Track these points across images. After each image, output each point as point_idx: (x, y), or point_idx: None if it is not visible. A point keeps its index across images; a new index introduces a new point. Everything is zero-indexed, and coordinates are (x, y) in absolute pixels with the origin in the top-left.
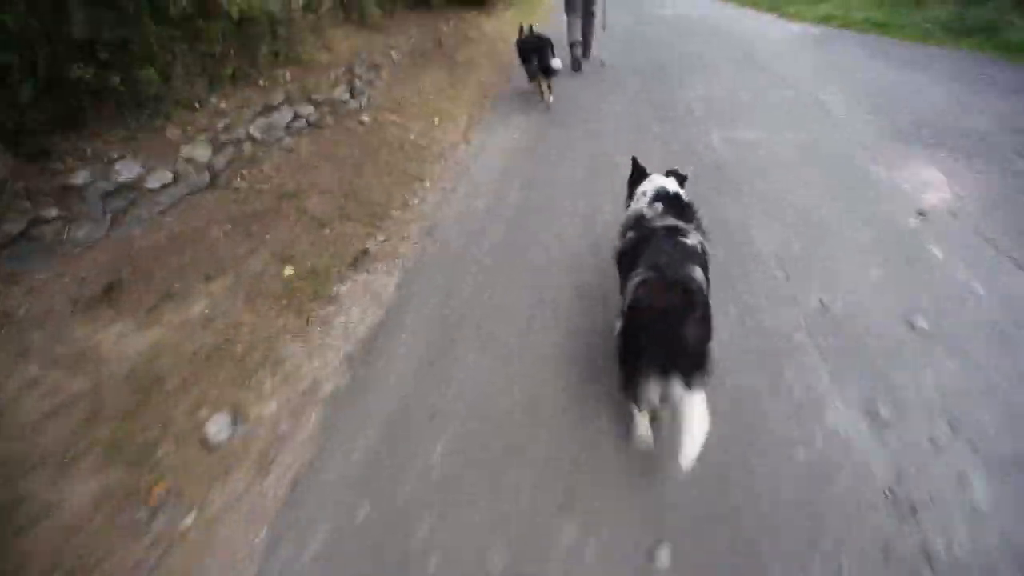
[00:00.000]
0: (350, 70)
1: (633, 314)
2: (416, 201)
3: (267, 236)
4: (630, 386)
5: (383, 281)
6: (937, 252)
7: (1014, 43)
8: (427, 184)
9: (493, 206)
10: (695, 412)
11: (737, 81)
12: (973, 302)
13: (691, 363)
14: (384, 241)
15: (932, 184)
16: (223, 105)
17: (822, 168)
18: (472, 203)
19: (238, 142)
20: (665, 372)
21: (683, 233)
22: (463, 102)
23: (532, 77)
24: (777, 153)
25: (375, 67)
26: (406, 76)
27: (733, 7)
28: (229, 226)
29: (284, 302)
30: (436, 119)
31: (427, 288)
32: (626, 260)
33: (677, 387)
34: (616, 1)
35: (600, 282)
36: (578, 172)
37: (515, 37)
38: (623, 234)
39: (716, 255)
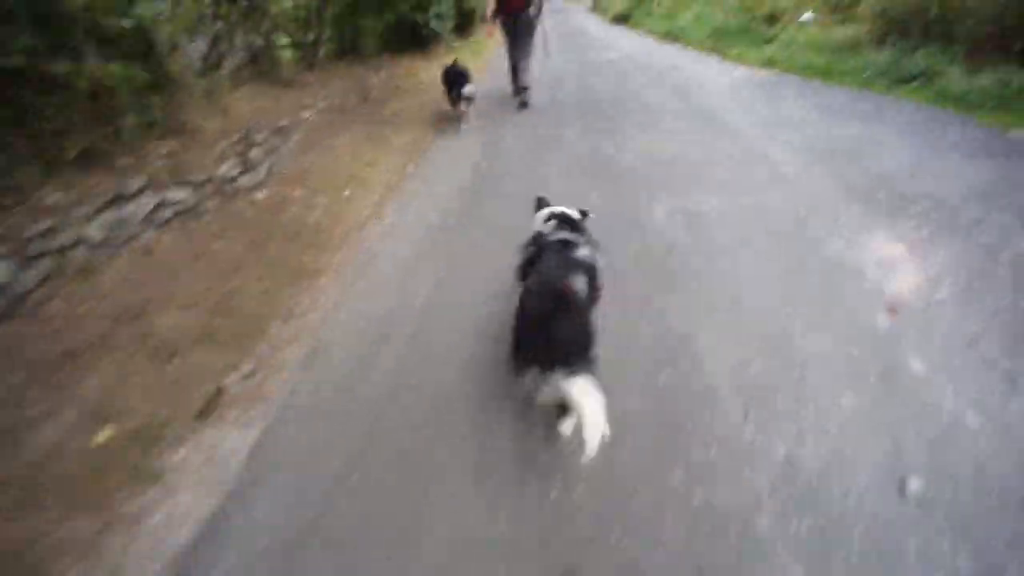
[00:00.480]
0: (246, 138)
1: (517, 318)
2: (303, 308)
3: (82, 383)
4: (519, 378)
5: (234, 442)
6: (917, 365)
7: (950, 91)
8: (322, 281)
9: (396, 312)
10: (584, 398)
11: (684, 135)
12: (969, 443)
13: (566, 357)
14: (249, 376)
15: (898, 264)
16: (54, 198)
17: (778, 246)
18: (371, 308)
19: (62, 250)
20: (543, 368)
21: (573, 246)
22: (383, 167)
23: (453, 103)
24: (729, 227)
25: (281, 131)
26: (320, 139)
27: (677, 49)
28: (24, 374)
29: (82, 490)
30: (347, 190)
31: (291, 455)
32: (524, 272)
33: (559, 379)
34: (563, 43)
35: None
36: (503, 256)
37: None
38: (523, 250)
39: (660, 385)
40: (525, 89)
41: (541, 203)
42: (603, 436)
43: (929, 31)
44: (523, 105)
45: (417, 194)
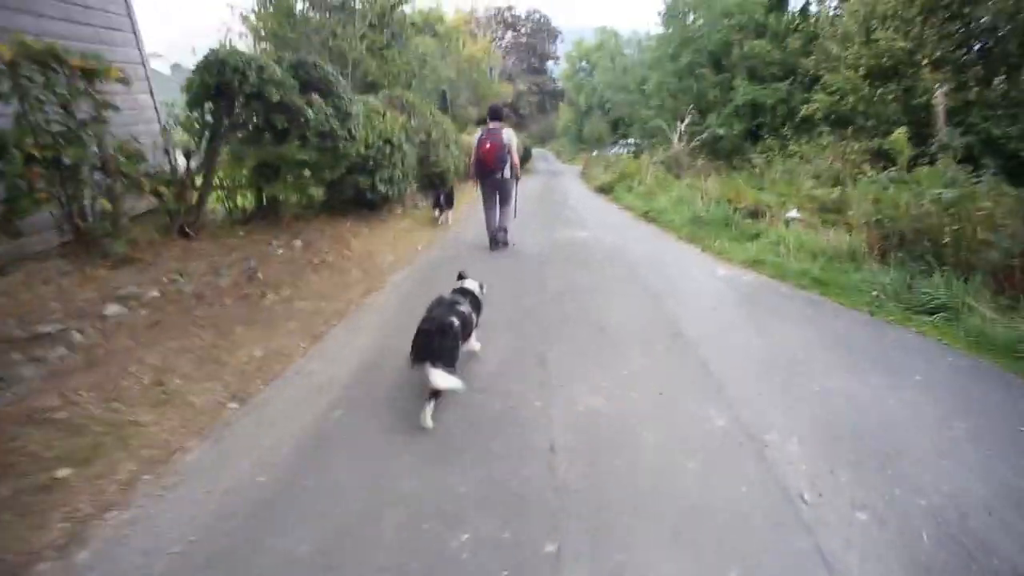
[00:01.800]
0: None
1: (420, 324)
2: None
3: None
4: (413, 365)
5: None
6: None
7: (986, 335)
8: None
9: None
10: (435, 378)
11: (643, 383)
12: None
13: (435, 356)
14: None
15: None
16: None
17: None
18: None
19: None
20: (422, 360)
21: (458, 303)
22: (190, 408)
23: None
24: None
25: (42, 341)
26: (109, 356)
27: (654, 232)
28: None
29: None
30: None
31: None
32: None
33: (428, 367)
34: (539, 212)
35: None
36: None
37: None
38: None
39: None
40: (503, 231)
41: (460, 275)
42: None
43: (941, 254)
44: (496, 245)
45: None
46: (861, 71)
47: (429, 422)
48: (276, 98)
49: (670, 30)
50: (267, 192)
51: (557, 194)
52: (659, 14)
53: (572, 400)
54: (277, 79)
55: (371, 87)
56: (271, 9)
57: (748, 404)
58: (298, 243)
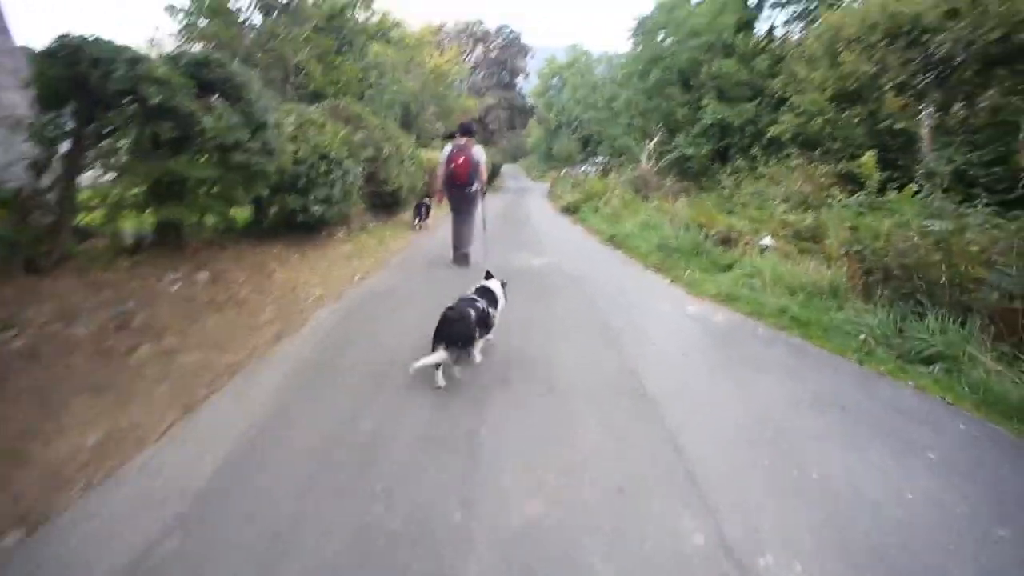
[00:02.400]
0: None
1: (441, 317)
2: None
3: None
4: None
5: None
6: None
7: (993, 392)
8: None
9: None
10: (439, 355)
11: (605, 480)
12: None
13: (453, 341)
14: None
15: None
16: None
17: None
18: None
19: None
20: (441, 341)
21: (476, 300)
22: None
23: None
24: None
25: None
26: None
27: (620, 259)
28: None
29: None
30: None
31: None
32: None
33: (441, 346)
34: (500, 233)
35: None
36: None
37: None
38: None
39: None
40: (464, 252)
41: (488, 274)
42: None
43: (933, 294)
44: (461, 259)
45: None
46: (827, 93)
47: (440, 380)
48: (155, 100)
49: (639, 48)
50: (162, 214)
51: (521, 213)
52: (629, 31)
53: (504, 506)
54: (157, 77)
55: (316, 96)
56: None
57: (732, 506)
58: (202, 276)
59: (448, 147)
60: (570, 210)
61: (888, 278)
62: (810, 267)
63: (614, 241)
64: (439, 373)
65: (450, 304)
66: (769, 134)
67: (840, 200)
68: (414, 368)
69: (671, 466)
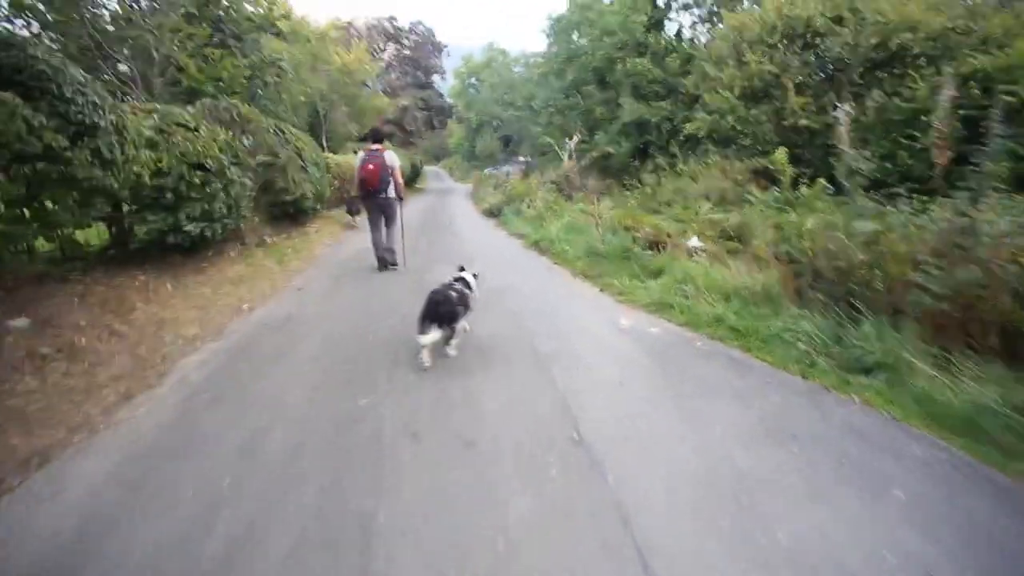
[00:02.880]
0: None
1: (426, 299)
2: None
3: None
4: (421, 325)
5: None
6: None
7: (937, 403)
8: None
9: None
10: (432, 334)
11: (536, 543)
12: None
13: (441, 319)
14: None
15: None
16: None
17: None
18: None
19: None
20: (430, 320)
21: (454, 284)
22: None
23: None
24: None
25: None
26: None
27: (545, 266)
28: None
29: None
30: None
31: None
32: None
33: (432, 325)
34: (415, 242)
35: None
36: None
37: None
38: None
39: None
40: (391, 251)
41: (461, 268)
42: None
43: (867, 298)
44: (384, 266)
45: None
46: (736, 92)
47: (426, 359)
48: None
49: (554, 47)
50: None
51: (443, 217)
52: (543, 31)
53: None
54: None
55: (194, 95)
56: None
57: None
58: (19, 322)
59: (361, 154)
60: (493, 213)
61: (819, 280)
62: (740, 270)
63: (539, 246)
64: (425, 352)
65: (433, 290)
66: (685, 131)
67: (757, 196)
68: (421, 346)
69: (618, 547)
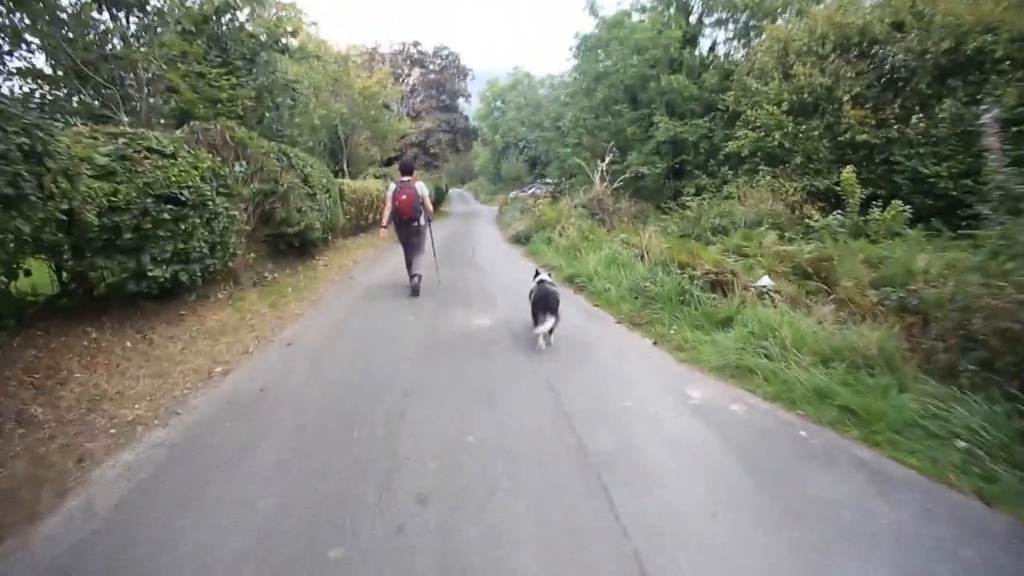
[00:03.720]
0: None
1: (535, 300)
2: None
3: None
4: (536, 317)
5: None
6: None
7: None
8: None
9: None
10: (550, 322)
11: None
12: None
13: (552, 310)
14: None
15: None
16: None
17: None
18: None
19: None
20: (546, 311)
21: (553, 284)
22: None
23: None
24: None
25: None
26: None
27: (583, 308)
28: None
29: None
30: None
31: None
32: (532, 292)
33: (549, 315)
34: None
35: None
36: None
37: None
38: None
39: None
40: (417, 276)
41: (537, 272)
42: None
43: None
44: (415, 292)
45: None
46: (783, 107)
47: (543, 344)
48: None
49: (582, 65)
50: None
51: (466, 246)
52: (571, 49)
53: None
54: None
55: (186, 117)
56: None
57: None
58: None
59: (392, 185)
60: (520, 240)
61: (966, 343)
62: (827, 318)
63: (574, 283)
64: (545, 338)
65: (536, 288)
66: (727, 150)
67: (817, 220)
68: (537, 334)
69: None
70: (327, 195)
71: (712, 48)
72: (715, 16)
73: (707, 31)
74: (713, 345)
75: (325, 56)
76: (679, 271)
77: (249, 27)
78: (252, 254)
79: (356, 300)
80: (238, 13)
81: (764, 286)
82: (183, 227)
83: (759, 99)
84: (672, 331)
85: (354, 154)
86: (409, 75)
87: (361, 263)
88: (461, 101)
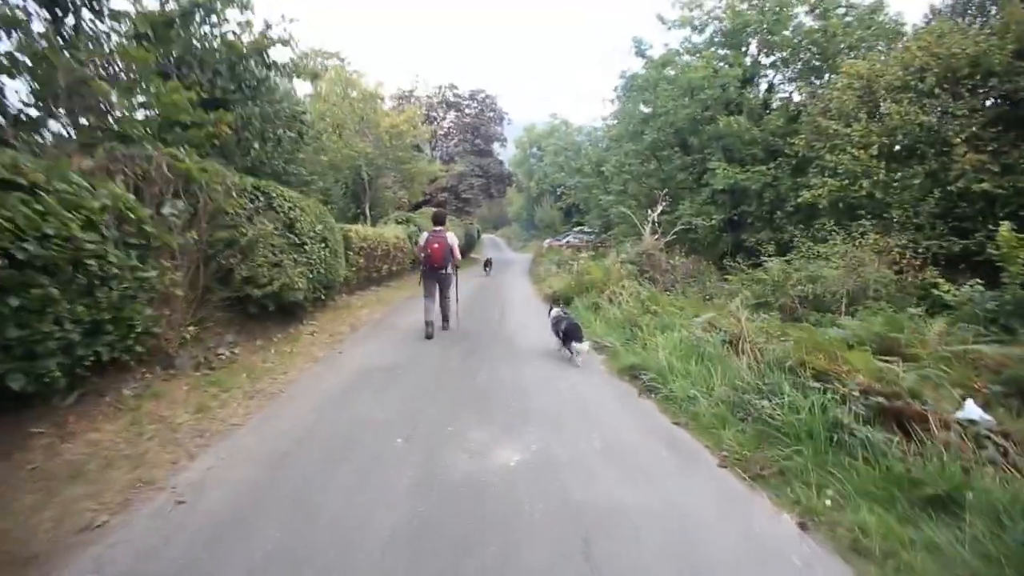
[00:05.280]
0: None
1: (561, 325)
2: None
3: None
4: (563, 343)
5: None
6: None
7: None
8: None
9: None
10: (581, 348)
11: None
12: None
13: (577, 337)
14: None
15: None
16: None
17: None
18: None
19: None
20: (570, 339)
21: (570, 315)
22: None
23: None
24: None
25: None
26: None
27: (658, 429)
28: None
29: None
30: None
31: None
32: (554, 322)
33: (575, 343)
34: (429, 378)
35: None
36: None
37: None
38: (554, 319)
39: None
40: (445, 319)
41: (551, 307)
42: (585, 352)
43: None
44: (443, 326)
45: None
46: (872, 150)
47: (579, 361)
48: None
49: (628, 107)
50: None
51: (493, 309)
52: (615, 90)
53: None
54: None
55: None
56: None
57: None
58: None
59: (425, 234)
60: (558, 301)
61: None
62: None
63: (639, 378)
64: (578, 357)
65: (562, 318)
66: (799, 200)
67: (948, 291)
68: (573, 357)
69: None
70: (323, 245)
71: (770, 89)
72: (774, 57)
73: (764, 72)
74: (933, 555)
75: (352, 91)
76: (814, 382)
77: (231, 37)
78: (193, 327)
79: (330, 397)
80: (218, 19)
81: (974, 419)
82: (19, 302)
83: (840, 143)
84: (826, 502)
85: (379, 196)
86: (444, 118)
87: (361, 329)
88: (496, 146)
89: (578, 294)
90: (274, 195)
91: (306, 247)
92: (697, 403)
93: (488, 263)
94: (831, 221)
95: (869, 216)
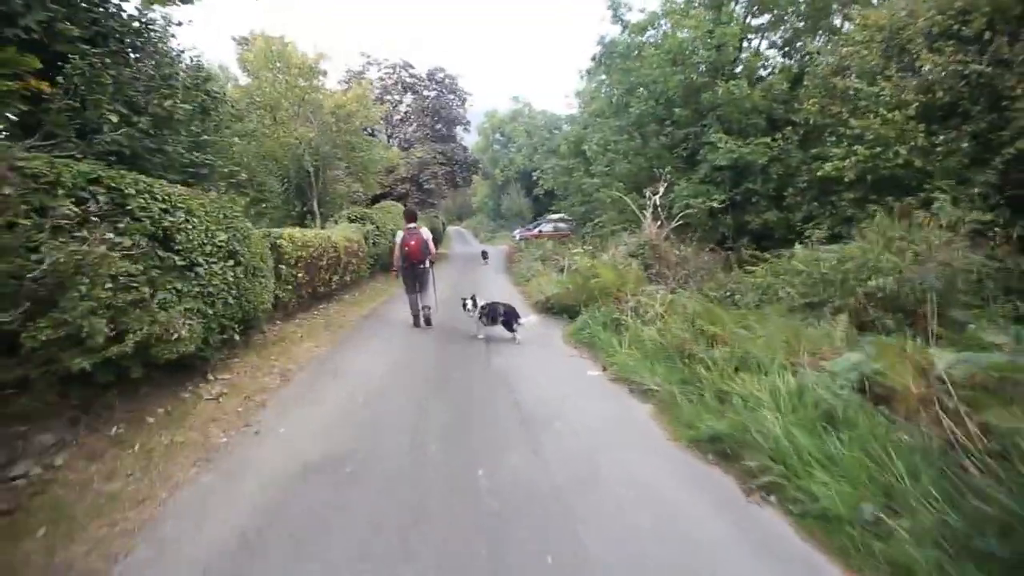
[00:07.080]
0: None
1: (484, 311)
2: None
3: None
4: (483, 323)
5: None
6: None
7: None
8: None
9: None
10: (498, 328)
11: None
12: None
13: (501, 319)
14: None
15: None
16: None
17: None
18: None
19: None
20: (492, 321)
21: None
22: None
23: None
24: None
25: None
26: None
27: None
28: None
29: None
30: None
31: None
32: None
33: (496, 324)
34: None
35: None
36: None
37: None
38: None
39: None
40: (428, 308)
41: (473, 298)
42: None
43: None
44: (428, 322)
45: None
46: (909, 111)
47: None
48: None
49: (612, 76)
50: None
51: (469, 323)
52: (592, 59)
53: None
54: None
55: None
56: None
57: None
58: None
59: (400, 233)
60: (552, 309)
61: None
62: None
63: (731, 460)
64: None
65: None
66: (819, 173)
67: None
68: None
69: None
70: (230, 263)
71: (756, 55)
72: (764, 18)
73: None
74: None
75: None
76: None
77: None
78: None
79: (210, 568)
80: None
81: None
82: None
83: (867, 103)
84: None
85: (328, 191)
86: (400, 102)
87: (296, 378)
88: (459, 130)
89: (585, 304)
90: (130, 191)
91: (197, 269)
92: (891, 537)
93: (484, 254)
94: (853, 197)
95: (905, 189)
